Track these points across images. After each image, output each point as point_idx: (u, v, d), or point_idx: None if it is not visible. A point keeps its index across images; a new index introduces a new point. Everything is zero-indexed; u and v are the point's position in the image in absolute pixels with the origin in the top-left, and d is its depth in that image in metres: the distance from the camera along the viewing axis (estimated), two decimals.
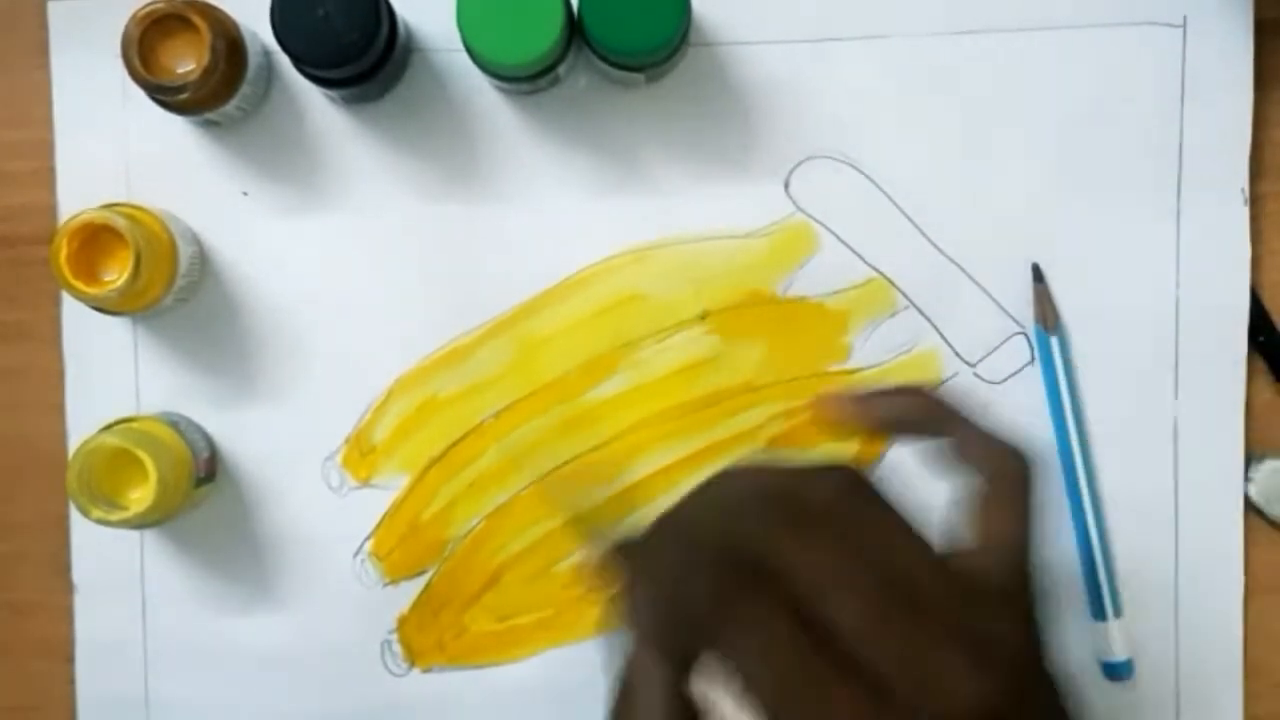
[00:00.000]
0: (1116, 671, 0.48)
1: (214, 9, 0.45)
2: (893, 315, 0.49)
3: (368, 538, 0.49)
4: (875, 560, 0.29)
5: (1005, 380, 0.49)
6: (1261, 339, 0.49)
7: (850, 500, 0.30)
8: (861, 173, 0.48)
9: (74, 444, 0.49)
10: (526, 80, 0.46)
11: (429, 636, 0.49)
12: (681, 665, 0.30)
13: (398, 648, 0.49)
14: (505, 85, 0.47)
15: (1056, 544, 0.49)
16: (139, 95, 0.45)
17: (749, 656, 0.28)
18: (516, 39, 0.43)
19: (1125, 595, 0.49)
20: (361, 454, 0.49)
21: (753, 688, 0.28)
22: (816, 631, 0.28)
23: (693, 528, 0.31)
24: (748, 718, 0.29)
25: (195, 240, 0.48)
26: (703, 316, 0.49)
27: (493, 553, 0.49)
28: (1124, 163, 0.48)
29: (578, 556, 0.33)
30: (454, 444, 0.49)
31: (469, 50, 0.44)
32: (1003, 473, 0.33)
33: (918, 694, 0.27)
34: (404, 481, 0.49)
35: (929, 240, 0.48)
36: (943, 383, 0.49)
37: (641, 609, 0.31)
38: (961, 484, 0.33)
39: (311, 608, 0.49)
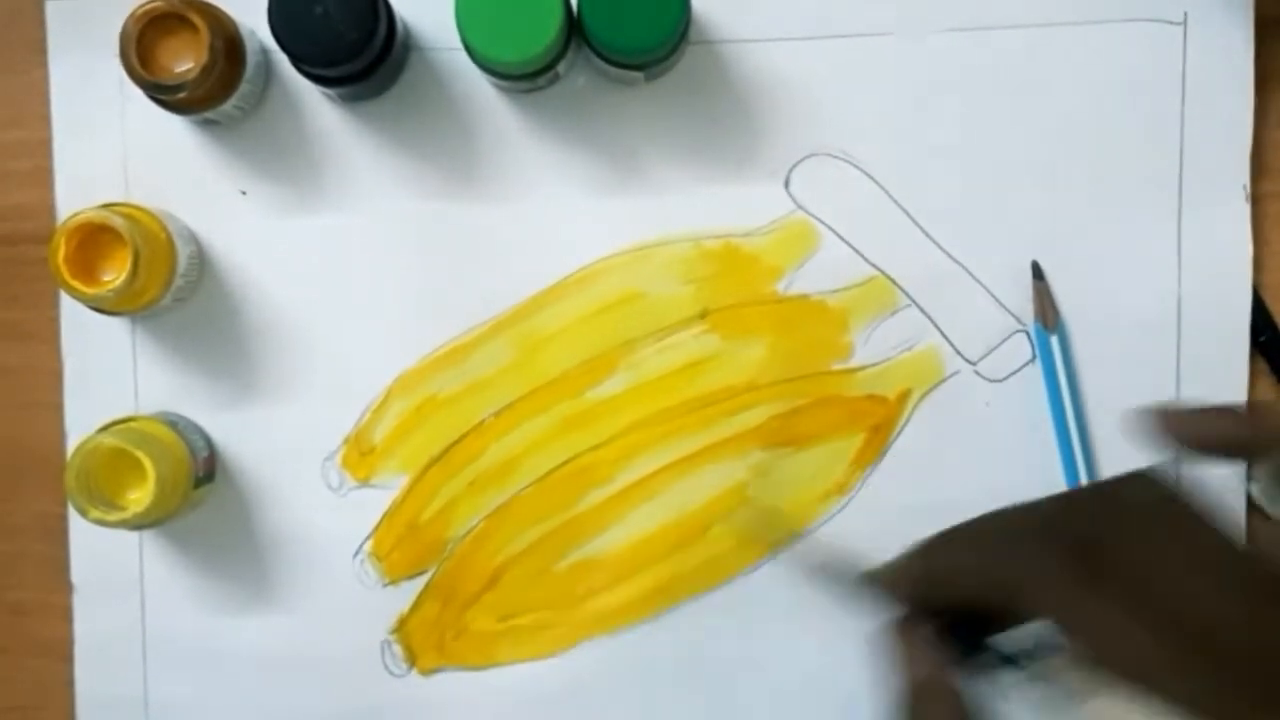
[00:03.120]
0: None
1: (212, 8, 0.45)
2: (894, 313, 0.49)
3: (367, 538, 0.49)
4: (1167, 608, 0.28)
5: (1006, 378, 0.49)
6: (1263, 338, 0.48)
7: (1150, 528, 0.30)
8: (862, 171, 0.48)
9: (72, 444, 0.49)
10: (525, 79, 0.46)
11: (429, 637, 0.49)
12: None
13: (397, 648, 0.49)
14: (504, 84, 0.47)
15: None
16: (137, 94, 0.45)
17: (1114, 613, 0.28)
18: (515, 37, 0.43)
19: None
20: (361, 454, 0.49)
21: (1106, 662, 0.28)
22: None
23: (962, 557, 0.32)
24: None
25: (194, 240, 0.48)
26: (703, 315, 0.49)
27: (492, 553, 0.49)
28: (1125, 160, 0.48)
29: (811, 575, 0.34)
30: (454, 444, 0.49)
31: (467, 48, 0.44)
32: None
33: None
34: (403, 481, 0.49)
35: (930, 238, 0.48)
36: (943, 380, 0.49)
37: (964, 577, 0.31)
38: None
39: (311, 608, 0.49)
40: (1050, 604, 0.29)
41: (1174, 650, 0.27)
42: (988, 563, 0.31)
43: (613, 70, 0.46)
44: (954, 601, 0.32)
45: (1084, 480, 0.48)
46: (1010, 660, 0.32)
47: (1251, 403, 0.33)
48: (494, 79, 0.47)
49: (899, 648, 0.32)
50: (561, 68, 0.46)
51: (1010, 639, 0.32)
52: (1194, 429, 0.33)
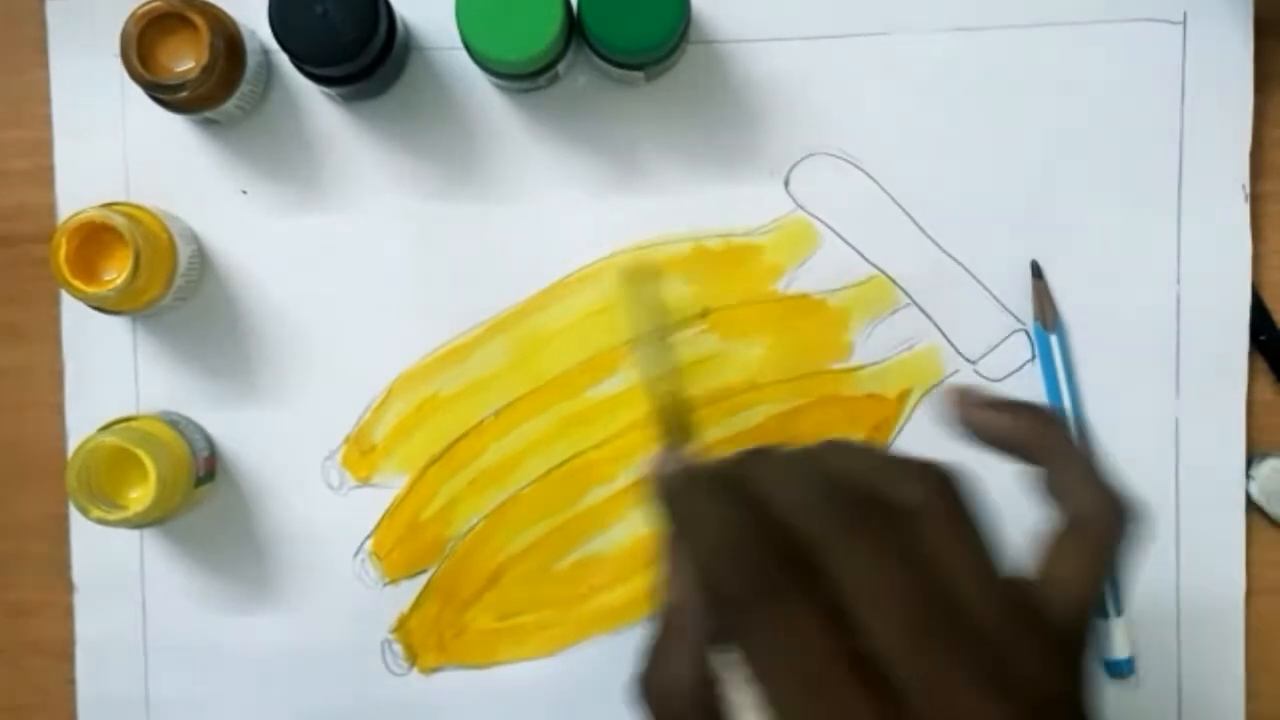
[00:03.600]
0: (1118, 670, 0.48)
1: (213, 7, 0.45)
2: (893, 312, 0.49)
3: (368, 537, 0.49)
4: (931, 577, 0.28)
5: (1006, 378, 0.49)
6: (1263, 337, 0.48)
7: (928, 507, 0.29)
8: (862, 170, 0.48)
9: (73, 443, 0.49)
10: (526, 78, 0.46)
11: (429, 636, 0.49)
12: (711, 636, 0.30)
13: (398, 647, 0.49)
14: (504, 83, 0.47)
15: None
16: (138, 94, 0.45)
17: (772, 652, 0.28)
18: (515, 37, 0.43)
19: (1126, 594, 0.49)
20: (361, 453, 0.49)
21: (769, 683, 0.28)
22: (848, 638, 0.27)
23: (765, 491, 0.30)
24: (757, 715, 0.28)
25: (194, 239, 0.48)
26: (703, 314, 0.49)
27: (493, 552, 0.49)
28: (1124, 160, 0.48)
29: (646, 461, 0.33)
30: (454, 443, 0.49)
31: (468, 48, 0.44)
32: (1093, 519, 0.31)
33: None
34: (404, 480, 0.49)
35: (929, 237, 0.48)
36: (944, 380, 0.49)
37: (684, 564, 0.31)
38: (1050, 517, 0.32)
39: (311, 607, 0.49)
40: (716, 613, 0.29)
41: (922, 625, 0.27)
42: (703, 541, 0.30)
43: (613, 70, 0.46)
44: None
45: None
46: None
47: (1045, 409, 0.34)
48: (494, 79, 0.47)
49: (664, 565, 0.32)
50: (561, 68, 0.46)
51: None
52: (981, 419, 0.33)
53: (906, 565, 0.28)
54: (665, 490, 0.31)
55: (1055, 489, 0.32)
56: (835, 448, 0.31)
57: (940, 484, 0.30)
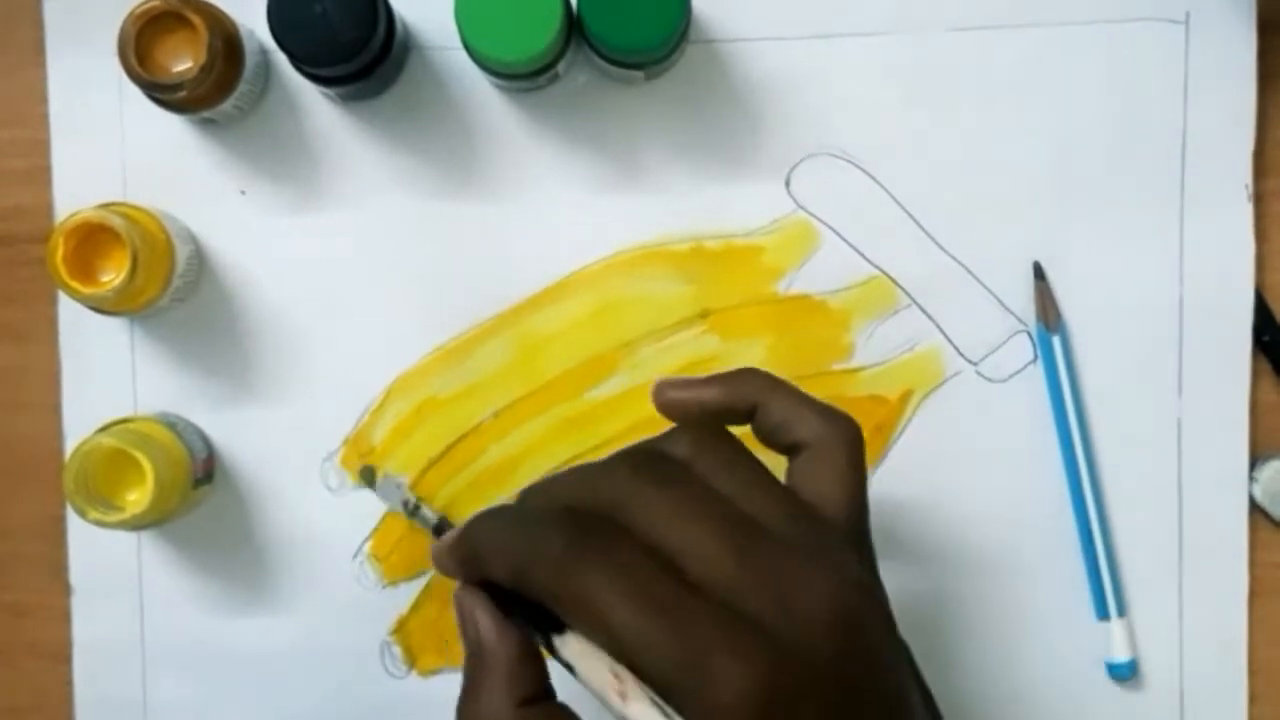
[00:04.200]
0: (1120, 672, 0.48)
1: (211, 7, 0.45)
2: (895, 313, 0.48)
3: (367, 539, 0.49)
4: (725, 495, 0.30)
5: (1008, 379, 0.49)
6: (1266, 338, 0.48)
7: (704, 447, 0.32)
8: (863, 170, 0.48)
9: (71, 445, 0.49)
10: (525, 78, 0.45)
11: (428, 638, 0.49)
12: (534, 621, 0.31)
13: (397, 649, 0.49)
14: (503, 83, 0.47)
15: (1060, 543, 0.48)
16: (136, 94, 0.45)
17: (600, 589, 0.28)
18: (515, 36, 0.43)
19: (1128, 595, 0.48)
20: (360, 454, 0.49)
21: (612, 620, 0.28)
22: (669, 562, 0.29)
23: (550, 487, 0.33)
24: (601, 658, 0.29)
25: (192, 239, 0.48)
26: (703, 315, 0.49)
27: None
28: (1127, 159, 0.48)
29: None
30: (453, 444, 0.49)
31: (467, 48, 0.44)
32: (828, 435, 0.34)
33: (771, 604, 0.28)
34: (403, 482, 0.49)
35: (930, 238, 0.48)
36: (945, 381, 0.49)
37: (494, 558, 0.31)
38: (791, 453, 0.35)
39: (310, 609, 0.49)
40: (542, 586, 0.30)
41: (649, 622, 0.28)
42: (504, 545, 0.31)
43: (613, 70, 0.46)
44: (493, 579, 0.32)
45: (1085, 481, 0.48)
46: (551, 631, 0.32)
47: (740, 370, 0.36)
48: (494, 78, 0.47)
49: (457, 614, 0.33)
50: (561, 67, 0.46)
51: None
52: (685, 396, 0.36)
53: (700, 491, 0.30)
54: (475, 520, 0.33)
55: (780, 425, 0.35)
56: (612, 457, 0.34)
57: (700, 433, 0.33)
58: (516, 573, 0.30)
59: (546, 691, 0.32)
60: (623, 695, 0.28)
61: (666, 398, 0.36)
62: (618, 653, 0.29)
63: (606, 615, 0.28)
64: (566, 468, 0.34)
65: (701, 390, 0.36)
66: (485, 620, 0.32)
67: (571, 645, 0.30)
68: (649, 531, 0.29)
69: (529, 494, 0.34)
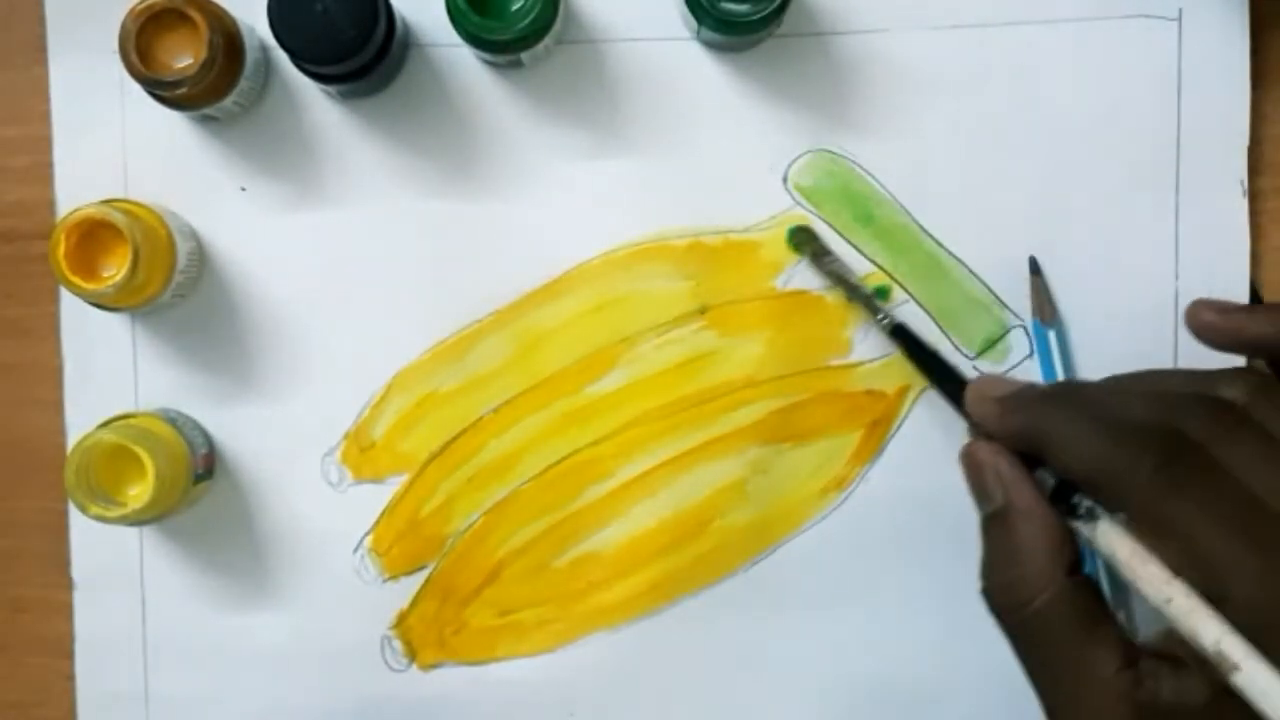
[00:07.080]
0: None
1: (212, 4, 0.45)
2: (892, 309, 0.49)
3: (367, 534, 0.49)
4: (1252, 508, 0.30)
5: (1004, 374, 0.49)
6: None
7: (1261, 395, 0.31)
8: (860, 166, 0.48)
9: (72, 440, 0.49)
10: (510, 50, 0.45)
11: (429, 632, 0.49)
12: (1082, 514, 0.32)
13: (397, 644, 0.49)
14: (494, 58, 0.46)
15: None
16: (137, 91, 0.45)
17: (1194, 516, 0.29)
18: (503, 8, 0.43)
19: (1129, 596, 0.49)
20: (361, 450, 0.49)
21: (1197, 543, 0.29)
22: (1256, 501, 0.29)
23: (1127, 402, 0.32)
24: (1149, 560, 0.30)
25: (193, 236, 0.48)
26: (702, 311, 0.49)
27: (493, 548, 0.49)
28: (1121, 156, 0.48)
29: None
30: (453, 439, 0.49)
31: (455, 22, 0.43)
32: None
33: None
34: (403, 477, 0.49)
35: (927, 233, 0.48)
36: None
37: (1066, 451, 0.32)
38: None
39: (311, 604, 0.49)
40: (1133, 504, 0.30)
41: (1245, 552, 0.29)
42: (1087, 447, 0.31)
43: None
44: (1043, 460, 0.33)
45: None
46: (1085, 513, 0.33)
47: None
48: (486, 57, 0.46)
49: (975, 470, 0.33)
50: (549, 40, 0.45)
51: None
52: (1214, 329, 0.36)
53: (1269, 440, 0.30)
54: (1035, 397, 0.34)
55: None
56: (1156, 373, 0.34)
57: (1261, 378, 0.32)
58: (1093, 475, 0.31)
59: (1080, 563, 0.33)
60: (1169, 600, 0.30)
61: (1202, 320, 0.36)
62: (1195, 578, 0.29)
63: (1199, 541, 0.29)
64: (1125, 380, 0.35)
65: (1243, 320, 0.35)
66: (1026, 485, 0.32)
67: (1109, 535, 0.31)
68: (1235, 471, 0.30)
69: (1090, 397, 0.34)
